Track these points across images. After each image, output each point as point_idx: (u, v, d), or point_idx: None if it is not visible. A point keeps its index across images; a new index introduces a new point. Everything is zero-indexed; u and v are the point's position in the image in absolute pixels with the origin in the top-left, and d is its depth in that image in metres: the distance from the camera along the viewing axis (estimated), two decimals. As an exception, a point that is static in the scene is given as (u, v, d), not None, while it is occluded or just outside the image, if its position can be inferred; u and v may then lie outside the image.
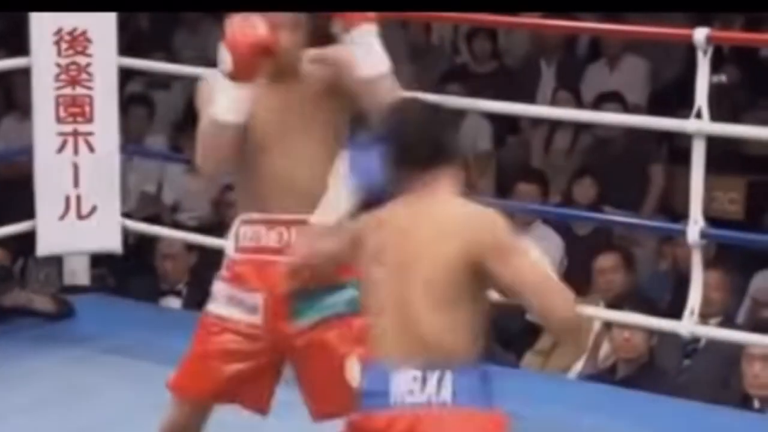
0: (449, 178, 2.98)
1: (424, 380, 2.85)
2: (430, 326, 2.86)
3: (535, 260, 2.90)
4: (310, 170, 3.42)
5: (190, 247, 6.39)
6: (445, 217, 2.92)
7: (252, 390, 3.50)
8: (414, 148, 2.97)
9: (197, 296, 5.72)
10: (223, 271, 3.53)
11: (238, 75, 3.34)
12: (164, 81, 8.27)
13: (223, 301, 3.48)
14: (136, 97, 7.76)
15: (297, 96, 3.44)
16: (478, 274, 2.88)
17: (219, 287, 3.51)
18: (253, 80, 3.37)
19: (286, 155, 3.42)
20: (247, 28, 3.34)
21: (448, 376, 2.85)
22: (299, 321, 3.44)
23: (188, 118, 7.90)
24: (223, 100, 3.37)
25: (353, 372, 3.26)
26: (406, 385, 2.85)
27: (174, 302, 6.44)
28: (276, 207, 3.43)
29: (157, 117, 7.87)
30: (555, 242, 6.68)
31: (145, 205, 7.44)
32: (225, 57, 3.36)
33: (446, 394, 2.85)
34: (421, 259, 2.88)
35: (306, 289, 3.37)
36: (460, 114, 3.24)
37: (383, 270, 2.92)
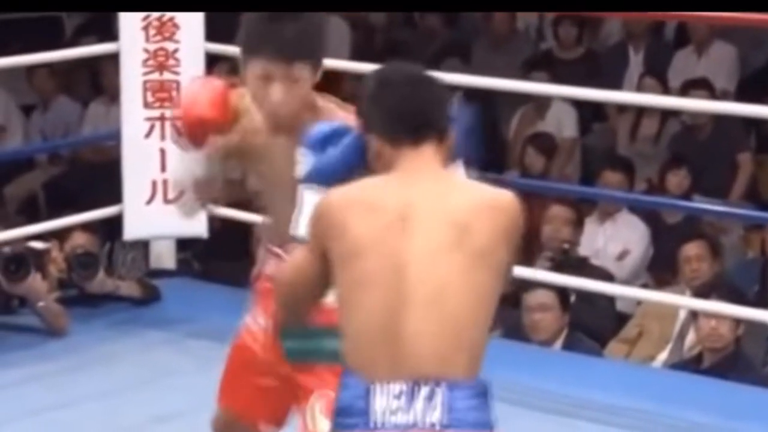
0: (437, 153, 2.62)
1: (411, 397, 2.45)
2: (429, 334, 2.46)
3: None
4: None
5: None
6: (460, 205, 2.53)
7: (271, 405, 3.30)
8: (402, 116, 2.61)
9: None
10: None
11: (190, 143, 3.17)
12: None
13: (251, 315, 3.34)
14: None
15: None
16: (497, 268, 2.51)
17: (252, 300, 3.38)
18: (204, 145, 3.17)
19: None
20: (194, 99, 3.13)
21: (441, 393, 2.45)
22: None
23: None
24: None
25: (315, 420, 3.01)
26: (389, 403, 2.45)
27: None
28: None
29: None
30: (640, 230, 6.66)
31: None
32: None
33: (437, 414, 2.44)
34: (429, 255, 2.48)
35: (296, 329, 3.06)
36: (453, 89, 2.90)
37: (373, 264, 2.49)
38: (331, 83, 3.18)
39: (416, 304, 2.46)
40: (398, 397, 2.44)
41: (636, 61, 8.06)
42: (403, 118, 2.59)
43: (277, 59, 2.93)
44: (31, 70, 7.78)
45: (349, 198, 2.55)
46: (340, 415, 2.48)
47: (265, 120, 3.03)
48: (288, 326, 2.94)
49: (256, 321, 3.20)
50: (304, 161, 2.74)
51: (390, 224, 2.49)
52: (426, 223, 2.50)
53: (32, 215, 6.18)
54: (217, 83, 3.12)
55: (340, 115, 2.96)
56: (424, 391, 2.43)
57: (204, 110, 3.07)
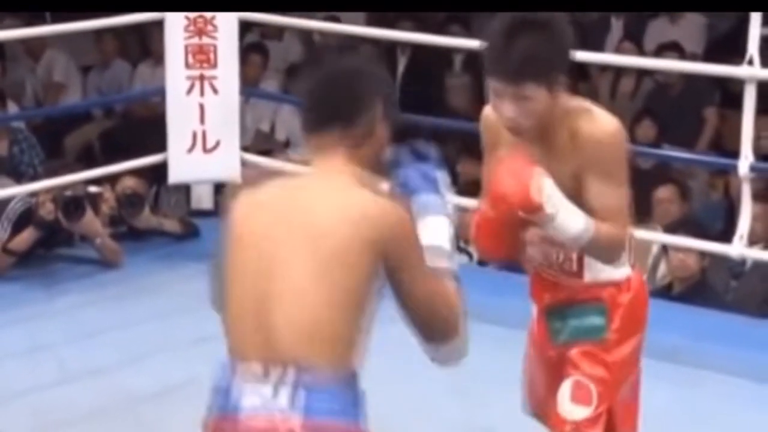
0: (347, 148, 2.34)
1: (266, 382, 2.23)
2: (294, 325, 2.23)
3: (427, 270, 2.33)
4: None
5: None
6: (338, 206, 2.28)
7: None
8: (313, 106, 2.38)
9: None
10: None
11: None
12: (277, 32, 8.28)
13: None
14: (253, 46, 7.77)
15: None
16: (371, 274, 2.26)
17: None
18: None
19: None
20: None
21: (293, 380, 2.21)
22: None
23: (298, 65, 7.95)
24: None
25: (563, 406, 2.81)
26: (245, 387, 2.24)
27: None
28: None
29: (270, 64, 7.88)
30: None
31: (260, 141, 7.47)
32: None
33: (285, 400, 2.21)
34: (301, 249, 2.25)
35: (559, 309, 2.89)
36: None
37: (251, 254, 2.30)
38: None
39: (281, 296, 2.24)
40: (255, 381, 2.22)
41: (617, 26, 8.00)
42: (305, 113, 2.39)
43: (504, 80, 2.63)
44: (99, 34, 7.76)
45: (254, 196, 2.37)
46: (211, 393, 2.29)
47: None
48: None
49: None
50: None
51: (270, 223, 2.29)
52: (295, 227, 2.27)
53: (89, 162, 6.15)
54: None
55: (591, 117, 2.74)
56: (276, 374, 2.21)
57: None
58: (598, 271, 2.80)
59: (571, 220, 2.64)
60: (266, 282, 2.25)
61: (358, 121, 2.34)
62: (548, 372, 2.89)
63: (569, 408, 2.77)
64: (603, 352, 2.81)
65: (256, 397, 2.21)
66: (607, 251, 2.73)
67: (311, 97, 2.39)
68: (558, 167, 2.68)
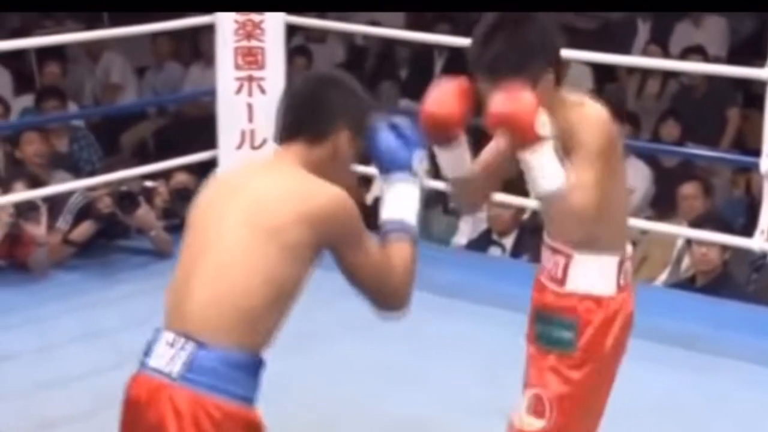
0: (305, 153, 2.35)
1: (171, 347, 2.25)
2: (206, 301, 2.24)
3: (371, 248, 2.33)
4: None
5: (362, 180, 6.37)
6: (283, 187, 2.29)
7: None
8: (280, 121, 2.39)
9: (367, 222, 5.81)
10: None
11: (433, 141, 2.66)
12: (320, 36, 8.31)
13: None
14: (298, 49, 7.81)
15: None
16: (304, 257, 2.26)
17: None
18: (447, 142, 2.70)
19: None
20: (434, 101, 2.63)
21: (189, 350, 2.22)
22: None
23: (340, 66, 7.97)
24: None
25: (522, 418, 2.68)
26: (159, 349, 2.26)
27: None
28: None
29: (314, 65, 7.91)
30: (644, 172, 6.63)
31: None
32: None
33: (177, 367, 2.22)
34: (241, 225, 2.26)
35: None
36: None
37: (197, 228, 2.34)
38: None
39: (204, 271, 2.25)
40: (164, 347, 2.25)
41: (643, 30, 7.98)
42: (277, 122, 2.39)
43: (483, 77, 2.58)
44: (154, 36, 7.81)
45: (218, 177, 2.49)
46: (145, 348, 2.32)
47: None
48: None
49: None
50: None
51: (219, 200, 2.33)
52: (240, 204, 2.29)
53: (144, 159, 6.20)
54: (453, 84, 2.64)
55: (582, 106, 2.60)
56: (179, 344, 2.23)
57: (438, 108, 2.61)
58: (579, 283, 2.66)
59: (551, 166, 2.48)
60: (200, 255, 2.28)
61: (322, 142, 2.36)
62: (527, 368, 2.74)
63: (526, 419, 2.66)
64: (569, 368, 2.64)
65: (158, 360, 2.25)
66: (568, 217, 2.52)
67: (280, 112, 2.39)
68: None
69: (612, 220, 2.63)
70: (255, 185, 2.31)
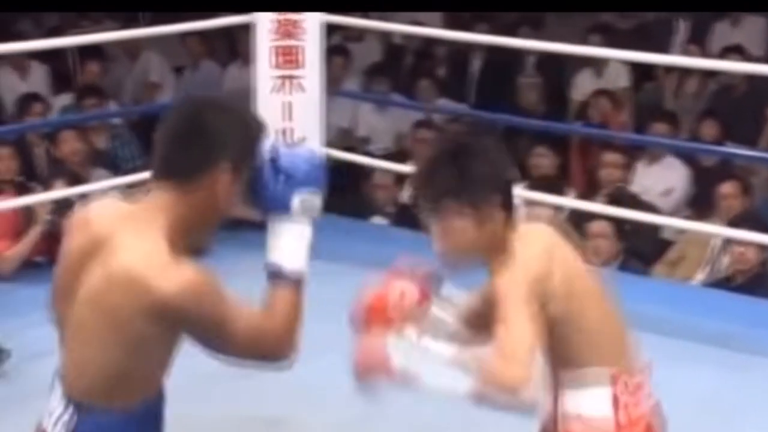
0: (173, 205, 2.12)
1: (57, 415, 2.18)
2: (74, 361, 2.16)
3: (236, 319, 2.12)
4: None
5: (399, 178, 6.40)
6: (125, 265, 2.07)
7: None
8: (156, 156, 2.16)
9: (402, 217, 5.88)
10: None
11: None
12: (358, 35, 8.33)
13: None
14: (336, 48, 7.83)
15: None
16: (128, 333, 2.08)
17: None
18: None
19: None
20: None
21: (68, 414, 2.16)
22: None
23: (378, 65, 7.99)
24: None
25: None
26: (50, 410, 2.20)
27: (380, 221, 6.50)
28: None
29: (352, 64, 7.93)
30: (682, 172, 6.61)
31: (340, 138, 7.53)
32: None
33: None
34: (81, 303, 2.12)
35: None
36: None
37: (65, 271, 2.20)
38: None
39: (71, 327, 2.16)
40: (55, 405, 2.19)
41: (682, 29, 7.96)
42: (152, 158, 2.19)
43: (426, 210, 2.39)
44: (183, 36, 7.86)
45: (87, 212, 2.22)
46: None
47: None
48: None
49: None
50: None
51: (81, 247, 2.16)
52: (94, 272, 2.11)
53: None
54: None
55: (519, 252, 2.34)
56: (63, 407, 2.17)
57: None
58: (567, 404, 2.40)
59: (439, 377, 2.25)
60: (67, 306, 2.17)
61: (195, 183, 2.12)
62: None
63: None
64: None
65: (48, 419, 2.19)
66: (507, 398, 2.22)
67: (156, 145, 2.17)
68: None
69: (593, 346, 2.40)
70: (111, 248, 2.09)
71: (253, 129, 2.18)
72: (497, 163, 2.39)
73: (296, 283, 2.20)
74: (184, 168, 2.12)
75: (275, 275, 2.20)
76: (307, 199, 2.22)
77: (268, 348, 2.16)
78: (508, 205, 2.38)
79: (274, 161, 2.20)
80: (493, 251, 2.35)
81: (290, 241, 2.21)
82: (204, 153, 2.11)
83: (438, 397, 2.30)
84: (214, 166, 2.12)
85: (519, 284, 2.28)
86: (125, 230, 2.11)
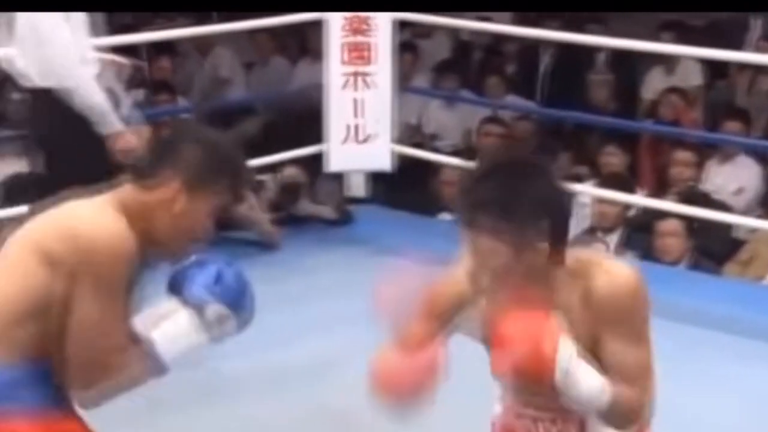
0: (128, 196, 2.25)
1: None
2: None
3: (107, 308, 2.18)
4: None
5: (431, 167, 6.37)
6: (64, 215, 2.22)
7: None
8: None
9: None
10: None
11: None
12: (427, 31, 8.32)
13: None
14: (405, 45, 7.82)
15: None
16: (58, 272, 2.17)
17: None
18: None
19: None
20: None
21: None
22: None
23: (447, 62, 7.98)
24: None
25: None
26: None
27: (448, 217, 6.50)
28: None
29: (420, 61, 7.93)
30: (755, 171, 6.53)
31: (409, 134, 7.53)
32: None
33: None
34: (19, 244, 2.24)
35: None
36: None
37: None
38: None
39: None
40: None
41: (755, 26, 7.86)
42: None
43: (464, 226, 2.14)
44: (252, 33, 7.91)
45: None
46: None
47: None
48: None
49: None
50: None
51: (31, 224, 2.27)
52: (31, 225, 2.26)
53: (252, 153, 6.27)
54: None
55: (605, 272, 2.15)
56: None
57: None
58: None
59: (585, 381, 2.11)
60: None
61: (151, 187, 2.25)
62: None
63: None
64: None
65: None
66: (623, 417, 2.16)
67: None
68: (570, 334, 2.12)
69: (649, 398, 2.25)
70: (57, 210, 2.24)
71: (221, 162, 2.27)
72: (554, 188, 2.10)
73: (153, 361, 2.23)
74: (145, 170, 2.26)
75: (149, 343, 2.23)
76: (224, 315, 2.28)
77: (88, 360, 2.18)
78: (558, 236, 2.09)
79: (204, 266, 2.32)
80: (529, 286, 2.09)
81: (175, 326, 2.25)
82: (164, 162, 2.25)
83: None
84: (167, 177, 2.24)
85: (643, 304, 2.18)
86: (79, 200, 2.24)
